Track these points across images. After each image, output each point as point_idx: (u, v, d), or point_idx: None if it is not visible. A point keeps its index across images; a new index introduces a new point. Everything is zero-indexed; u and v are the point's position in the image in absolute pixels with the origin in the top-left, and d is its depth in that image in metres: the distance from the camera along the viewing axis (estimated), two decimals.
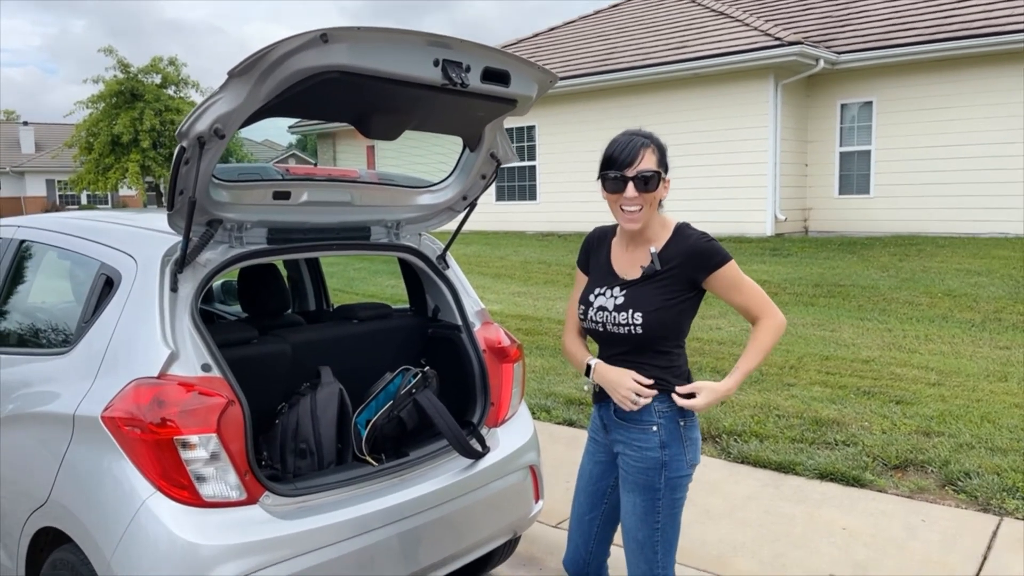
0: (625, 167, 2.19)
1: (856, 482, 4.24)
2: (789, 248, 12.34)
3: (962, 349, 6.77)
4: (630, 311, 2.25)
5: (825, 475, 4.33)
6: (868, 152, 13.57)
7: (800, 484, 4.28)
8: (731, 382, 2.31)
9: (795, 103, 13.79)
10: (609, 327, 2.30)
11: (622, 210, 2.24)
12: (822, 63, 12.96)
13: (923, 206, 13.01)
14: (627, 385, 2.25)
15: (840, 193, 13.97)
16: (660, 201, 2.29)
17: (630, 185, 2.20)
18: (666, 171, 2.27)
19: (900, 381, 5.88)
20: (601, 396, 2.40)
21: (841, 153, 13.89)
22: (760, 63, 13.04)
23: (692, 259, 2.26)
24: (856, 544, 3.60)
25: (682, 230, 2.32)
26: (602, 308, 2.32)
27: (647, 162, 2.20)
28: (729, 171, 13.83)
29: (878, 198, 13.50)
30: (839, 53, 13.25)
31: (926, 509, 3.93)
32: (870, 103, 13.46)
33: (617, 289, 2.32)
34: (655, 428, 2.28)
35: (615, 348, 2.33)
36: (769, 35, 13.33)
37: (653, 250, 2.28)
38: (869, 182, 13.61)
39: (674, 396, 2.26)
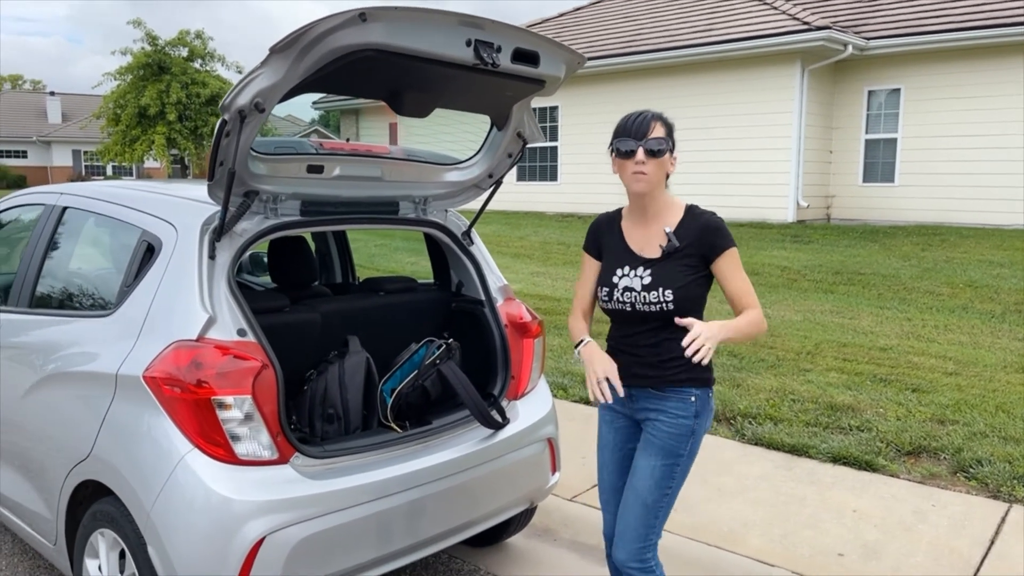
0: (637, 136, 2.30)
1: (868, 466, 4.29)
2: (811, 235, 12.30)
3: (981, 339, 6.78)
4: (660, 289, 2.34)
5: (838, 459, 4.39)
6: (894, 140, 13.45)
7: (812, 467, 4.34)
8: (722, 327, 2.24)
9: (821, 89, 13.68)
10: (639, 307, 2.37)
11: (632, 174, 2.33)
12: (850, 49, 12.83)
13: (949, 196, 12.90)
14: (600, 378, 2.30)
15: (864, 181, 13.88)
16: (667, 176, 2.39)
17: (640, 151, 2.30)
18: (674, 147, 2.37)
19: (917, 369, 5.91)
20: (626, 375, 2.43)
21: (867, 140, 13.78)
22: (787, 47, 12.93)
23: (707, 235, 2.36)
24: (866, 526, 3.67)
25: (693, 210, 2.42)
26: (629, 289, 2.39)
27: (657, 133, 2.31)
28: (752, 156, 13.77)
29: (903, 187, 13.40)
30: (868, 39, 13.10)
31: (937, 494, 3.98)
32: (898, 90, 13.32)
33: (641, 268, 2.39)
34: (693, 399, 2.38)
35: (644, 325, 2.40)
36: (797, 19, 13.20)
37: (668, 229, 2.37)
38: (894, 170, 13.50)
39: (677, 320, 2.26)
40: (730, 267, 2.37)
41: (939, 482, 4.13)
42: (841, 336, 6.96)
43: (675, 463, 2.38)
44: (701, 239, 2.36)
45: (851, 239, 11.94)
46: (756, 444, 4.67)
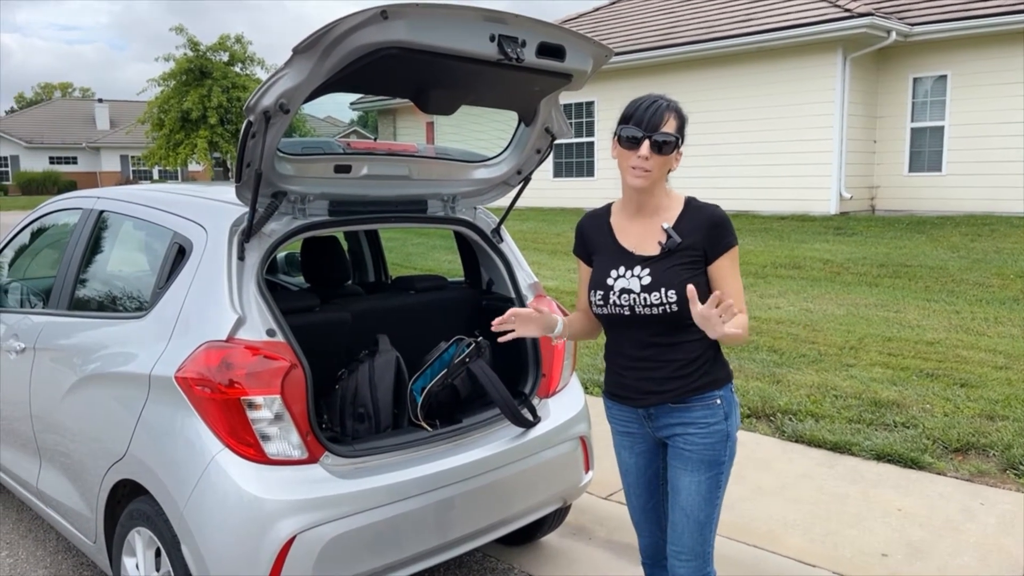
0: (647, 127, 2.12)
1: (914, 464, 4.17)
2: (854, 227, 12.03)
3: None
4: (662, 290, 2.15)
5: (882, 456, 4.27)
6: (941, 128, 13.08)
7: (856, 464, 4.23)
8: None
9: (864, 77, 13.35)
10: (638, 310, 2.19)
11: (631, 168, 2.15)
12: (894, 35, 12.50)
13: (999, 184, 12.49)
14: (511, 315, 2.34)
15: (910, 170, 13.52)
16: (669, 171, 2.22)
17: (646, 144, 2.12)
18: (682, 141, 2.19)
19: (966, 364, 5.73)
20: (639, 393, 2.29)
21: (912, 129, 13.42)
22: (828, 36, 12.66)
23: (712, 229, 2.19)
24: (911, 525, 3.57)
25: (692, 202, 2.25)
26: (626, 291, 2.20)
27: (668, 127, 2.13)
28: (793, 147, 13.51)
29: (951, 176, 13.02)
30: (912, 24, 12.75)
31: (985, 492, 3.85)
32: (944, 77, 12.94)
33: (638, 268, 2.21)
34: (718, 401, 2.24)
35: (646, 330, 2.22)
36: (838, 6, 12.91)
37: (666, 225, 2.20)
38: (941, 159, 13.12)
39: (689, 290, 2.00)
40: (731, 266, 2.20)
41: (988, 480, 3.99)
42: (886, 330, 6.79)
43: (719, 472, 2.24)
44: (705, 233, 2.18)
45: (896, 230, 11.65)
46: (797, 441, 4.57)
